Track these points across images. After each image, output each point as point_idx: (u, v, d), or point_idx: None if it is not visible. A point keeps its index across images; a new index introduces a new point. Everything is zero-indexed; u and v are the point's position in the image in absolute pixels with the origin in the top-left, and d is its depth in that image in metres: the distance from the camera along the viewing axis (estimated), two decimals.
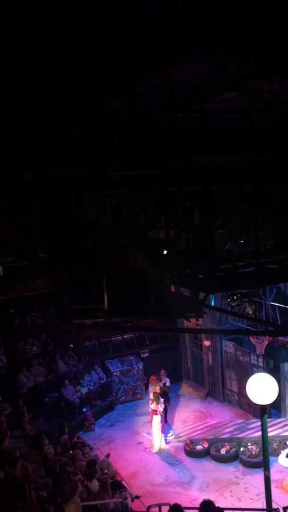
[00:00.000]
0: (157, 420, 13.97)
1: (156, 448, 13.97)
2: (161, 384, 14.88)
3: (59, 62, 4.77)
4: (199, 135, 5.24)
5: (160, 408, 13.92)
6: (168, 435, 14.65)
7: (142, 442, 14.58)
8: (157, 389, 14.49)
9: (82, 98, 5.47)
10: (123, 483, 11.76)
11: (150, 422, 14.23)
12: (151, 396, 14.16)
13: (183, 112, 5.44)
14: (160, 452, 13.86)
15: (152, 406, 14.01)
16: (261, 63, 5.32)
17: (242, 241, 8.62)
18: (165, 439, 14.26)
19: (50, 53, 4.59)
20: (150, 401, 14.18)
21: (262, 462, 9.70)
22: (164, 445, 14.08)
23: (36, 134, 5.43)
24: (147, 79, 5.33)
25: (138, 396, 17.71)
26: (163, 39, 4.55)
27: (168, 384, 15.45)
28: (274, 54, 5.08)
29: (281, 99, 5.55)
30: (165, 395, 14.86)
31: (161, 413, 14.00)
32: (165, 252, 6.64)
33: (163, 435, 14.12)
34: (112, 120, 6.22)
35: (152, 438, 14.15)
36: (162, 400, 14.09)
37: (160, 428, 13.97)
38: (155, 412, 13.93)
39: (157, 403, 13.87)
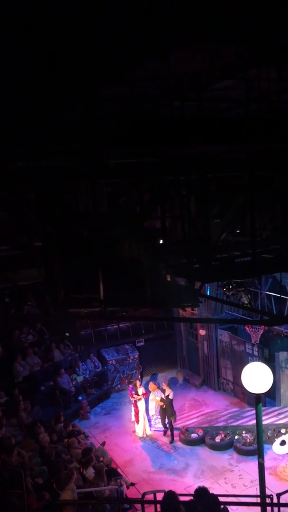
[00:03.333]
0: (142, 405, 14.21)
1: (141, 433, 14.23)
2: (163, 396, 13.98)
3: (54, 49, 4.70)
4: (195, 123, 5.20)
5: (140, 393, 14.26)
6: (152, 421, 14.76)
7: None
8: (159, 401, 14.01)
9: (77, 85, 5.40)
10: (119, 470, 11.87)
11: (135, 410, 14.35)
12: (140, 391, 14.31)
13: (179, 101, 5.39)
14: (155, 440, 14.00)
15: (140, 392, 14.23)
16: (258, 51, 5.26)
17: (238, 231, 8.60)
18: (149, 425, 14.41)
19: (43, 39, 4.51)
20: (133, 392, 14.33)
21: (256, 450, 9.77)
22: (148, 431, 14.34)
23: (30, 122, 5.37)
24: (143, 66, 5.26)
25: None
26: (160, 26, 4.49)
27: (171, 396, 13.94)
28: (272, 42, 5.02)
29: (279, 87, 5.50)
30: (168, 408, 13.89)
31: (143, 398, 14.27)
32: (161, 241, 6.62)
33: (147, 421, 14.38)
34: (107, 108, 6.15)
35: (142, 424, 14.33)
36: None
37: (144, 413, 14.26)
38: (139, 399, 14.19)
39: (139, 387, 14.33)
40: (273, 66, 5.30)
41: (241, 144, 5.60)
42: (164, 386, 14.18)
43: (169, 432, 14.06)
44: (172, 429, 13.95)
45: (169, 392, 13.97)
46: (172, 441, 13.82)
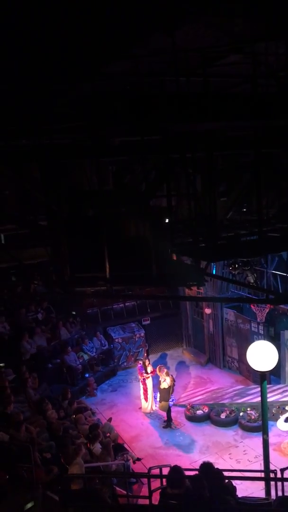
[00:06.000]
0: (151, 383, 14.39)
1: (148, 409, 14.42)
2: (172, 378, 13.98)
3: (58, 26, 4.61)
4: (201, 100, 5.12)
5: (149, 371, 14.46)
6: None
7: None
8: (170, 380, 13.71)
9: (82, 61, 5.32)
10: (125, 446, 12.07)
11: (144, 388, 14.48)
12: (149, 368, 14.51)
13: (185, 76, 5.29)
14: (161, 416, 14.13)
15: (149, 370, 14.40)
16: (267, 25, 5.13)
17: (244, 209, 8.54)
18: (155, 402, 14.48)
19: (49, 15, 4.43)
20: (143, 371, 14.48)
21: (261, 426, 9.90)
22: (154, 407, 14.47)
23: (35, 99, 5.31)
24: (149, 41, 5.16)
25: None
26: (166, 0, 4.39)
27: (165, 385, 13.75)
28: (281, 15, 4.90)
29: (287, 62, 5.38)
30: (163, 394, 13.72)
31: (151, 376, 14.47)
32: (166, 220, 6.59)
33: (154, 398, 14.54)
34: (112, 84, 6.06)
35: (150, 401, 14.50)
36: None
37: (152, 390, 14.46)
38: (148, 377, 14.38)
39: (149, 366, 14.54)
40: (282, 40, 5.19)
41: (248, 120, 5.51)
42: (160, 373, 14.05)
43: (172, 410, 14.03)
44: (167, 415, 13.71)
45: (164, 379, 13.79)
46: (165, 426, 13.63)
